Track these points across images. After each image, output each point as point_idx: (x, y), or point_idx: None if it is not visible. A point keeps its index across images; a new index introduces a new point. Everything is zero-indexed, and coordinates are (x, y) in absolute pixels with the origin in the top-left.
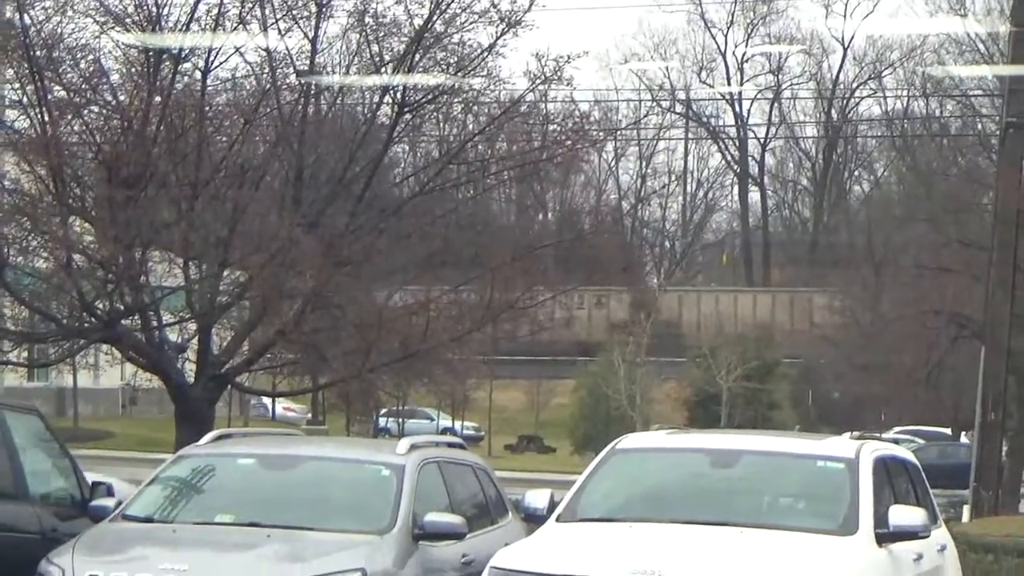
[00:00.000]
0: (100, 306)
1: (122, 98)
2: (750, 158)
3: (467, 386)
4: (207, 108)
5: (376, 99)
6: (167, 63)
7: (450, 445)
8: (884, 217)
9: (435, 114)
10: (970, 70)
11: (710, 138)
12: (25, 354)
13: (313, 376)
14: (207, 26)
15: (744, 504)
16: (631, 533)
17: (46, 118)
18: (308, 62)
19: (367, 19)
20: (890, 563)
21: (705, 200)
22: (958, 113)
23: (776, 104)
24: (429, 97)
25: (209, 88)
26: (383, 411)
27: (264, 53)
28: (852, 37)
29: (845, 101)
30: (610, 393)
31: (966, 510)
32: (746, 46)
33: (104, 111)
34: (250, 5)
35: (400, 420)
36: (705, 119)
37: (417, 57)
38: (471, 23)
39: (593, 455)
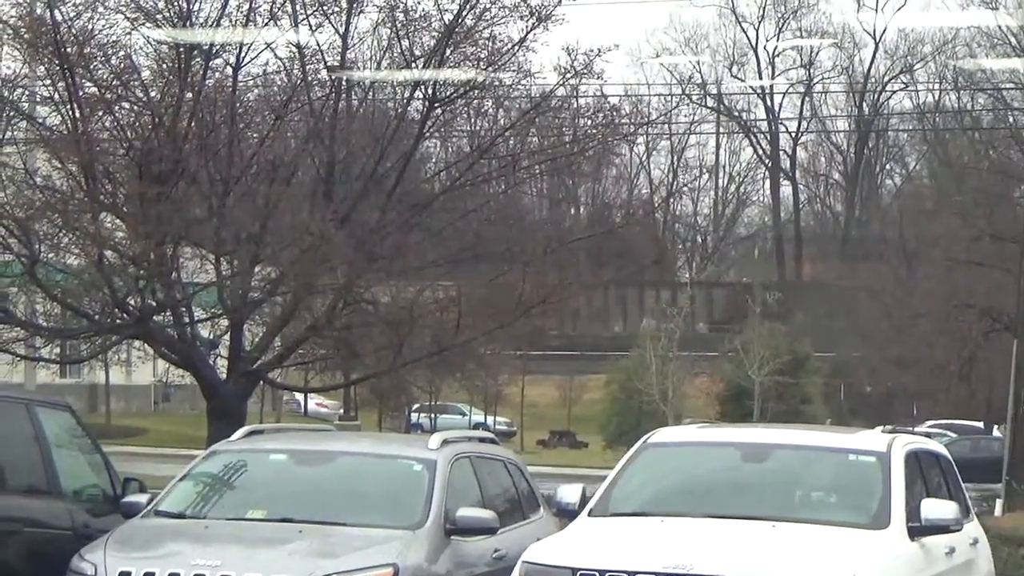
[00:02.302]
0: (132, 302)
1: (153, 94)
2: (782, 152)
3: (499, 381)
4: (238, 104)
5: (407, 94)
6: (198, 59)
7: (482, 440)
8: (916, 211)
9: (466, 109)
10: (1002, 63)
11: (741, 132)
12: (57, 350)
13: (345, 372)
14: (238, 22)
15: (776, 498)
16: (663, 527)
17: (77, 114)
18: (339, 57)
19: (398, 14)
20: (922, 557)
21: (737, 194)
22: (990, 106)
23: (808, 98)
24: (460, 92)
25: (240, 84)
26: (415, 407)
27: (295, 49)
28: (884, 31)
29: (876, 95)
30: (642, 388)
31: (999, 504)
32: (777, 40)
33: (135, 107)
34: (281, 1)
35: (432, 415)
36: (736, 113)
37: (448, 52)
38: (501, 18)
39: (625, 450)
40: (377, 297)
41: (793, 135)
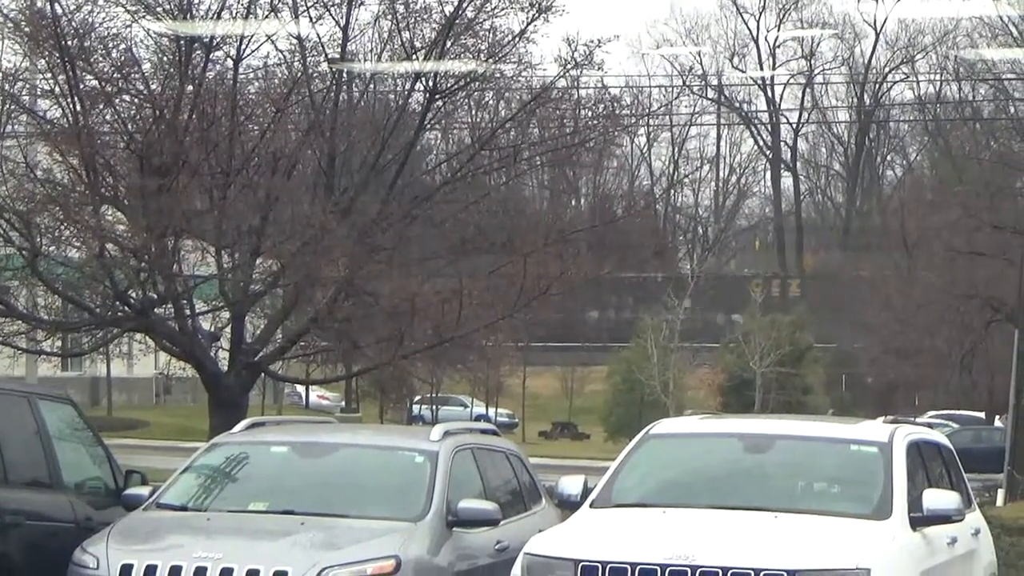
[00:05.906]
0: (133, 295)
1: (154, 87)
2: (782, 143)
3: (500, 373)
4: (239, 96)
5: (408, 86)
6: (198, 52)
7: (484, 432)
8: (917, 201)
9: (466, 101)
10: (1003, 53)
11: (742, 123)
12: (59, 343)
13: (346, 363)
14: (238, 14)
15: (778, 489)
16: (665, 518)
17: (78, 108)
18: (339, 50)
19: (398, 6)
20: (924, 547)
21: (738, 185)
22: (991, 97)
23: (808, 89)
24: (460, 84)
25: (241, 76)
26: (417, 398)
27: (295, 41)
28: (884, 21)
29: (877, 86)
30: (643, 379)
31: (1000, 494)
32: (778, 31)
33: (136, 100)
34: None
35: (434, 407)
36: (737, 104)
37: (448, 44)
38: (502, 9)
39: (627, 441)
40: (378, 289)
41: (794, 126)
